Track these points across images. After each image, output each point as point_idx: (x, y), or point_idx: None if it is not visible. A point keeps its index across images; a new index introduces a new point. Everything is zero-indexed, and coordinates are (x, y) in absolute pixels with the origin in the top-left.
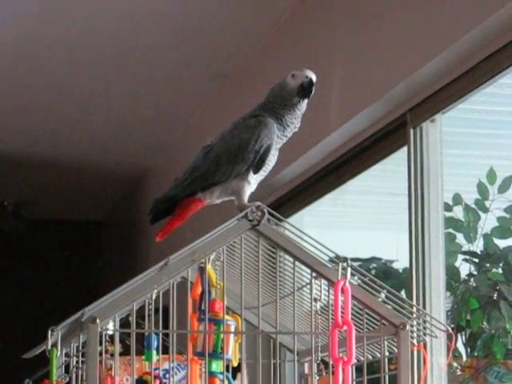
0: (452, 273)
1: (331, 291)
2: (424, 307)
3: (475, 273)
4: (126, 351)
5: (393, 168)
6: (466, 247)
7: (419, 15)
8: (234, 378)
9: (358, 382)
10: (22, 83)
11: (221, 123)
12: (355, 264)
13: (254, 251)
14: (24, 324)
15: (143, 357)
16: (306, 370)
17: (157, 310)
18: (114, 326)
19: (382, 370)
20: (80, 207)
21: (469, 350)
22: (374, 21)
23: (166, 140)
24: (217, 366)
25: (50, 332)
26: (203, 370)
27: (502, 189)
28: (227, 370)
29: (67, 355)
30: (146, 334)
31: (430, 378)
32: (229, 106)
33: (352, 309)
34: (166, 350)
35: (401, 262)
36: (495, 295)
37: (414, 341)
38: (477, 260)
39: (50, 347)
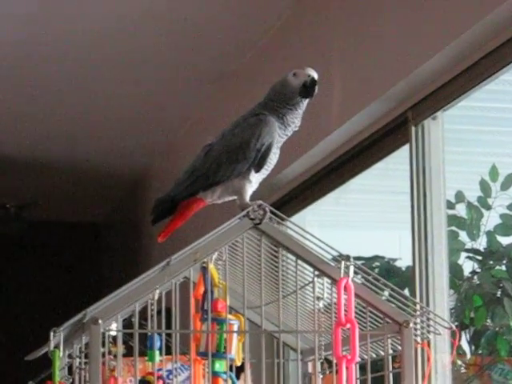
0: (455, 270)
1: (334, 289)
2: (427, 305)
3: (478, 270)
4: (129, 352)
5: (395, 166)
6: (468, 245)
7: (419, 12)
8: (238, 377)
9: (362, 380)
10: (22, 85)
11: (221, 124)
12: (358, 263)
13: (256, 250)
14: (26, 326)
15: (146, 358)
16: (310, 369)
17: (160, 311)
18: (117, 326)
19: (386, 368)
20: (81, 209)
21: (473, 347)
22: (374, 19)
23: (165, 141)
24: (220, 365)
25: (52, 333)
26: (206, 370)
27: (505, 186)
28: (231, 370)
29: (70, 356)
30: (149, 334)
31: (434, 376)
32: (229, 106)
33: (355, 307)
34: (169, 351)
35: (404, 261)
36: (499, 292)
37: (418, 339)
38: (480, 257)
39: (52, 348)
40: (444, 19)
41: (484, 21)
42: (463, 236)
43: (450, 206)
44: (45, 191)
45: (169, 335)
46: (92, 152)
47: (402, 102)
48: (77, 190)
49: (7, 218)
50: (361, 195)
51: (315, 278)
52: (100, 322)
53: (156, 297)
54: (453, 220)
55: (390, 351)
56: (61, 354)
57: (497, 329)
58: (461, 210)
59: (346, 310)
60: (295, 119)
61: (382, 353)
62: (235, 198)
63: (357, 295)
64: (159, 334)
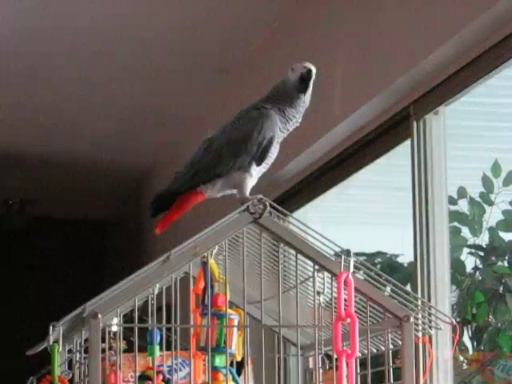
0: (457, 266)
1: (334, 284)
2: (429, 301)
3: (480, 266)
4: (130, 348)
5: (397, 162)
6: (471, 240)
7: (422, 7)
8: (240, 373)
9: (363, 375)
10: (24, 81)
11: (224, 120)
12: (360, 258)
13: (256, 245)
14: (29, 322)
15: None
16: (311, 365)
17: (165, 307)
18: (119, 321)
19: (386, 362)
20: (84, 206)
21: (475, 343)
22: (376, 13)
23: (169, 138)
24: (220, 360)
25: (51, 328)
26: (207, 365)
27: (507, 182)
28: (231, 365)
29: (70, 351)
30: (149, 328)
31: (436, 371)
32: (232, 102)
33: (356, 302)
34: (171, 346)
35: (406, 257)
36: (501, 288)
37: (419, 334)
38: (482, 253)
39: (51, 343)
40: (446, 13)
41: (486, 15)
42: (465, 232)
43: (453, 201)
44: (48, 188)
45: (171, 331)
46: (96, 149)
47: (403, 97)
48: (81, 188)
49: (10, 214)
50: (362, 191)
51: (315, 273)
52: (99, 316)
53: (156, 291)
54: (455, 216)
55: (391, 346)
56: (60, 348)
57: (499, 325)
58: (463, 206)
59: (346, 305)
60: (296, 114)
61: (383, 348)
62: (235, 192)
63: (357, 290)
64: (159, 329)
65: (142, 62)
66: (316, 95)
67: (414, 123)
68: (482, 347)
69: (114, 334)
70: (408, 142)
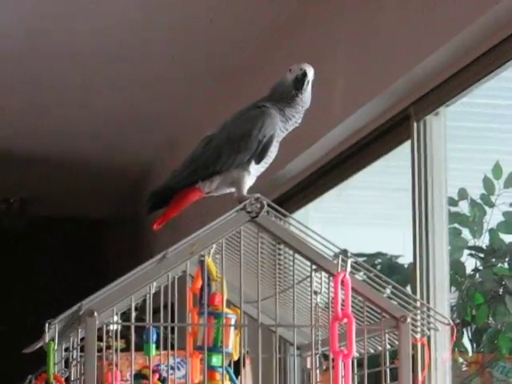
0: (457, 268)
1: (332, 284)
2: (428, 302)
3: (481, 268)
4: (129, 347)
5: (397, 163)
6: (471, 242)
7: (422, 8)
8: (238, 373)
9: (360, 375)
10: (24, 80)
11: (224, 119)
12: (360, 259)
13: (254, 244)
14: (28, 321)
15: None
16: (308, 365)
17: (163, 306)
18: (118, 319)
19: (383, 363)
20: (84, 204)
21: (474, 345)
22: (376, 14)
23: (169, 136)
24: (217, 359)
25: (47, 325)
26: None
27: (508, 183)
28: (229, 365)
29: (68, 350)
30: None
31: (434, 372)
32: (232, 102)
33: (353, 302)
34: (171, 346)
35: (406, 258)
36: (501, 290)
37: (418, 335)
38: (482, 255)
39: (47, 341)
40: (446, 14)
41: (486, 16)
42: (466, 233)
43: (453, 203)
44: (48, 187)
45: (171, 331)
46: (96, 148)
47: (403, 98)
48: (80, 186)
49: (10, 212)
50: (363, 192)
51: (313, 273)
52: (95, 314)
53: (153, 290)
54: (455, 217)
55: (388, 346)
56: (55, 346)
57: (498, 326)
58: (464, 208)
59: (343, 305)
60: (295, 114)
61: (380, 348)
62: (233, 190)
63: (354, 290)
64: (156, 328)
65: (141, 62)
66: (316, 96)
67: (414, 124)
68: (482, 349)
69: (115, 332)
70: (408, 143)
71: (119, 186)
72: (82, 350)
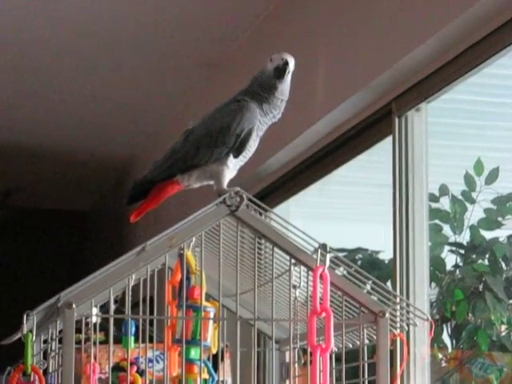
0: (438, 264)
1: (311, 278)
2: (408, 297)
3: (461, 264)
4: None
5: (378, 158)
6: (452, 238)
7: (404, 3)
8: (216, 366)
9: (339, 370)
10: (7, 70)
11: (208, 111)
12: (341, 254)
13: (234, 237)
14: (8, 313)
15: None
16: (287, 359)
17: (143, 299)
18: (98, 311)
19: (361, 358)
20: (67, 196)
21: (454, 341)
22: (359, 9)
23: (153, 129)
24: (195, 353)
25: (25, 317)
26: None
27: (489, 180)
28: (208, 358)
29: (46, 341)
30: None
31: (413, 368)
32: (216, 94)
33: (332, 297)
34: (150, 339)
35: (387, 253)
36: (481, 286)
37: (397, 330)
38: (463, 251)
39: (25, 332)
40: (428, 10)
41: (468, 12)
42: (447, 229)
43: (434, 199)
44: (31, 178)
45: (151, 324)
46: (79, 139)
47: (385, 93)
48: (63, 178)
49: None
50: (344, 187)
51: (292, 267)
52: (74, 306)
53: (132, 282)
54: (436, 213)
55: (367, 341)
56: (33, 337)
57: (478, 323)
58: (445, 204)
59: (321, 299)
60: (276, 106)
61: (359, 343)
62: (212, 183)
63: (333, 284)
64: (134, 320)
65: (126, 54)
66: (298, 90)
67: (396, 120)
68: (461, 345)
69: (94, 324)
70: (390, 139)
71: (103, 178)
72: (60, 341)
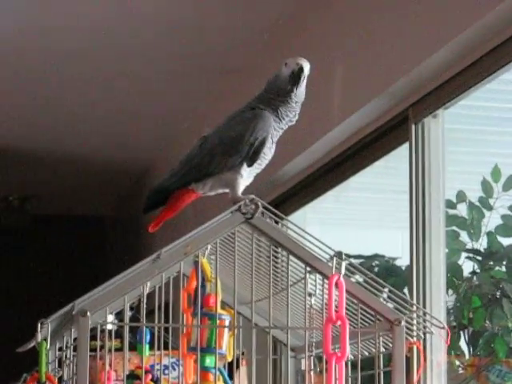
0: (455, 270)
1: (326, 286)
2: (424, 305)
3: (478, 271)
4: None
5: (395, 165)
6: (469, 245)
7: (421, 9)
8: (232, 374)
9: (354, 378)
10: (26, 77)
11: (225, 117)
12: (357, 261)
13: (249, 245)
14: (27, 319)
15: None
16: (303, 366)
17: (159, 307)
18: (113, 319)
19: (376, 366)
20: (85, 202)
21: (471, 348)
22: (375, 15)
23: (170, 135)
24: (211, 360)
25: (39, 325)
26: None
27: (507, 186)
28: (224, 366)
29: (61, 349)
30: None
31: (430, 375)
32: (233, 100)
33: (348, 305)
34: (166, 346)
35: (404, 260)
36: (498, 293)
37: (414, 339)
38: (480, 258)
39: (39, 340)
40: (445, 16)
41: (486, 18)
42: (464, 236)
43: (451, 205)
44: (48, 184)
45: (166, 331)
46: (97, 145)
47: (402, 100)
48: (81, 184)
49: (9, 210)
50: (361, 193)
51: (307, 275)
52: (88, 314)
53: (147, 290)
54: (454, 220)
55: (383, 349)
56: (48, 346)
57: (495, 330)
58: (462, 210)
59: (337, 307)
60: (291, 111)
61: (374, 351)
62: (227, 191)
63: (348, 292)
64: (149, 328)
65: (142, 60)
66: (315, 97)
67: (413, 126)
68: (478, 352)
69: (109, 332)
70: (406, 145)
71: (121, 184)
72: (75, 349)
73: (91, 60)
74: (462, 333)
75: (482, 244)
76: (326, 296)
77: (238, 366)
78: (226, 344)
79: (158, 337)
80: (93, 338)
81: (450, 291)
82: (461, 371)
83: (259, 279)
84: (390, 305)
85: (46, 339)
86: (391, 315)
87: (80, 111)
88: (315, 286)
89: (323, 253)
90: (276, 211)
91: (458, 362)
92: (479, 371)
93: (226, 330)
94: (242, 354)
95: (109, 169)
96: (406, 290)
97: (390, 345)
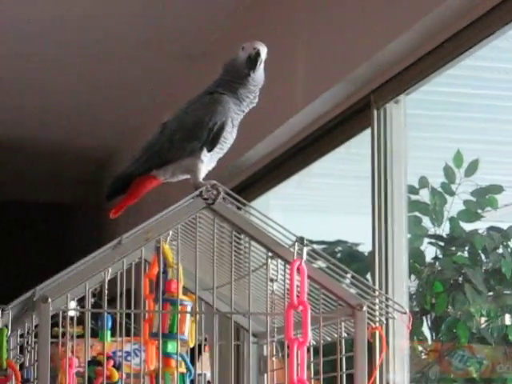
0: (417, 256)
1: (288, 272)
2: (387, 290)
3: (440, 256)
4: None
5: (358, 151)
6: (431, 230)
7: None
8: (194, 360)
9: (316, 363)
10: None
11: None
12: (320, 247)
13: (210, 230)
14: None
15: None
16: (265, 352)
17: (120, 294)
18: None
19: (339, 351)
20: (47, 189)
21: (433, 333)
22: (337, 1)
23: (133, 121)
24: (173, 347)
25: (0, 311)
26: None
27: (469, 172)
28: (186, 352)
29: (23, 336)
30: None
31: (392, 360)
32: (196, 86)
33: (310, 290)
34: (128, 333)
35: (366, 245)
36: (460, 279)
37: (376, 324)
38: (442, 243)
39: (0, 326)
40: (407, 2)
41: (446, 4)
42: (426, 222)
43: (414, 191)
44: (12, 171)
45: (128, 317)
46: (60, 132)
47: (364, 86)
48: (43, 170)
49: None
50: (323, 179)
51: (269, 260)
52: (49, 300)
53: (108, 276)
54: (416, 205)
55: (345, 335)
56: (9, 332)
57: (457, 315)
58: (424, 196)
59: (299, 292)
60: (249, 94)
61: (337, 336)
62: (188, 177)
63: (310, 278)
64: (111, 314)
65: (105, 47)
66: (277, 82)
67: (375, 112)
68: (441, 337)
69: (71, 318)
70: (368, 131)
71: (84, 171)
72: (36, 336)
73: (55, 47)
74: (424, 318)
75: (444, 229)
76: (287, 282)
77: (200, 352)
78: (188, 330)
79: (119, 323)
80: (55, 324)
81: (413, 277)
82: (423, 356)
83: (221, 265)
84: (353, 290)
85: (7, 326)
86: (353, 300)
87: (42, 97)
88: (277, 271)
89: (285, 238)
90: (238, 197)
91: (420, 348)
92: (442, 356)
93: (188, 315)
94: (205, 339)
95: (72, 155)
96: (368, 276)
97: (352, 330)
